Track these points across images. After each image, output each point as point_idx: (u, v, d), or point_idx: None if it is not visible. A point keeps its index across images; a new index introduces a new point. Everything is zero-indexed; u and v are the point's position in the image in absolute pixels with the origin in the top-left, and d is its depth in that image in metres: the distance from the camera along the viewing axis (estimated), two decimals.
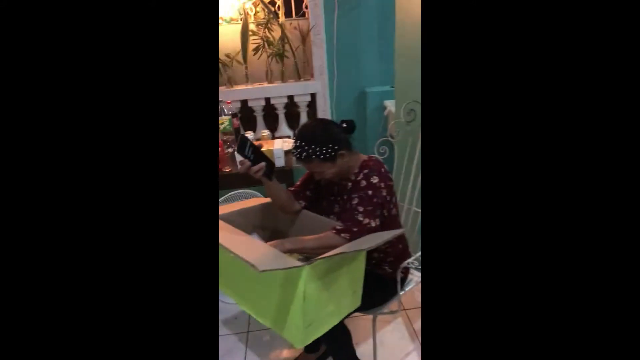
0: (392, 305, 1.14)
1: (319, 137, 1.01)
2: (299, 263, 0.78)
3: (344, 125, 1.06)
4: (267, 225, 1.26)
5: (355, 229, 0.96)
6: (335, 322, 0.93)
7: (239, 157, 1.62)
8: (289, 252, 0.96)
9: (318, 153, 1.00)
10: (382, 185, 1.02)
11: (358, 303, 0.99)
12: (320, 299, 0.86)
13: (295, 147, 1.02)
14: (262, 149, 1.78)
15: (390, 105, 2.24)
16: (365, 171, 1.03)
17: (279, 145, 1.78)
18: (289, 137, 2.38)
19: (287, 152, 1.81)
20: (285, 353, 1.41)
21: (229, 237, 0.88)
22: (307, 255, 1.00)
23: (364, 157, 1.10)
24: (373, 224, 0.98)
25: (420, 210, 1.44)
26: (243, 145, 0.97)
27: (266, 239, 1.25)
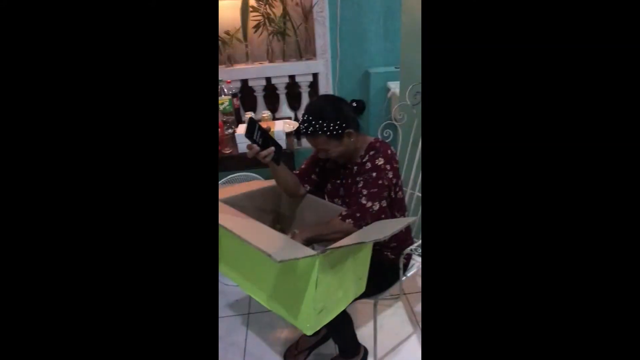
0: (393, 289, 1.14)
1: (328, 112, 0.98)
2: (313, 252, 0.77)
3: (354, 104, 1.04)
4: (271, 209, 1.25)
5: (358, 214, 0.95)
6: (343, 308, 0.93)
7: (241, 139, 1.59)
8: (309, 241, 0.95)
9: (325, 129, 0.97)
10: (388, 167, 1.00)
11: (363, 289, 0.99)
12: (331, 286, 0.86)
13: (303, 122, 0.99)
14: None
15: (393, 86, 2.19)
16: (372, 153, 1.02)
17: (280, 127, 1.74)
18: (290, 118, 2.34)
19: (288, 134, 1.78)
20: (286, 333, 1.43)
21: (240, 224, 0.87)
22: (322, 243, 1.00)
23: (371, 139, 1.08)
24: (377, 207, 0.96)
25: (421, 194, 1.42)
26: (251, 129, 0.93)
27: (270, 222, 1.24)
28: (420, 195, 1.44)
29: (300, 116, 2.50)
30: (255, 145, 0.96)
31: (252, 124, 0.93)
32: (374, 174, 0.98)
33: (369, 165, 1.00)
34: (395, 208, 1.08)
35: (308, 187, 1.16)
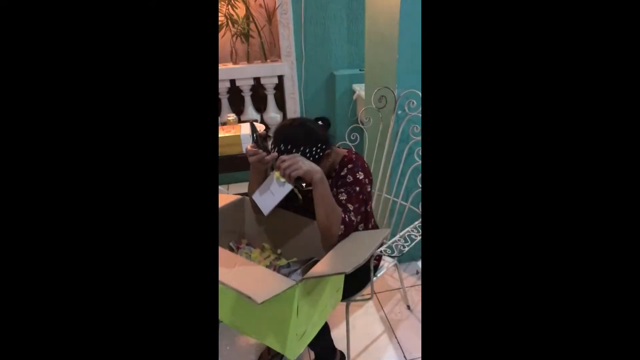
0: (365, 290, 1.16)
1: (303, 140, 0.94)
2: (292, 282, 0.75)
3: (320, 123, 1.02)
4: (236, 226, 1.21)
5: (342, 227, 0.94)
6: (322, 324, 0.93)
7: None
8: (317, 183, 0.90)
9: (308, 156, 0.94)
10: (367, 181, 1.01)
11: (340, 299, 1.00)
12: (310, 310, 0.85)
13: (279, 151, 0.94)
14: (225, 135, 1.72)
15: (359, 89, 2.23)
16: (350, 166, 1.01)
17: (246, 130, 1.72)
18: (256, 120, 2.31)
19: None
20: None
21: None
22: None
23: (344, 151, 1.08)
24: (357, 221, 0.97)
25: (390, 197, 1.46)
26: (254, 134, 0.97)
27: (236, 237, 1.20)
28: (386, 196, 1.47)
29: (267, 120, 2.48)
30: (260, 151, 0.94)
31: (253, 129, 0.95)
32: (357, 188, 0.98)
33: (350, 178, 0.99)
34: (369, 219, 1.10)
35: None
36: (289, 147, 0.94)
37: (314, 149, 0.94)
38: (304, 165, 0.90)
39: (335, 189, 1.00)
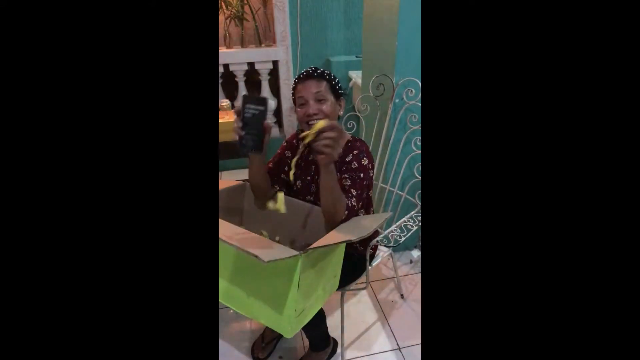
0: (360, 279, 1.16)
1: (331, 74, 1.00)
2: (296, 252, 0.74)
3: None
4: (236, 209, 1.20)
5: (346, 212, 0.93)
6: (319, 307, 0.93)
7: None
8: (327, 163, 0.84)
9: (331, 78, 0.99)
10: (370, 166, 1.00)
11: (337, 286, 0.99)
12: (310, 286, 0.85)
13: (308, 68, 1.00)
14: (223, 121, 1.66)
15: (355, 76, 2.19)
16: (355, 152, 1.01)
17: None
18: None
19: None
20: (250, 325, 1.41)
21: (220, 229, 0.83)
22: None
23: (348, 135, 1.07)
24: (358, 207, 0.97)
25: (386, 187, 1.45)
26: (243, 104, 0.81)
27: (236, 224, 1.19)
28: (382, 185, 1.46)
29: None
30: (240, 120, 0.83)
31: (244, 99, 0.80)
32: (361, 175, 0.98)
33: (355, 164, 0.99)
34: (369, 205, 1.10)
35: (278, 188, 1.12)
36: (315, 67, 1.00)
37: (337, 81, 1.00)
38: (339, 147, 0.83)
39: (339, 174, 1.00)
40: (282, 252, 0.74)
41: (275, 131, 2.58)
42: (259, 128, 0.83)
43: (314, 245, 0.78)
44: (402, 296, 1.52)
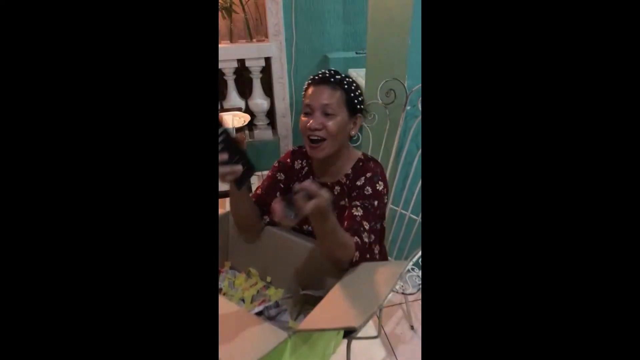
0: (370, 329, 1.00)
1: (354, 82, 0.84)
2: (281, 335, 0.60)
3: None
4: (220, 249, 1.03)
5: (357, 253, 0.76)
6: None
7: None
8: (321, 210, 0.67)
9: (350, 87, 0.82)
10: (385, 191, 0.84)
11: (340, 340, 0.84)
12: (308, 357, 0.70)
13: (325, 71, 0.84)
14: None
15: (355, 74, 2.00)
16: (369, 175, 0.84)
17: (229, 121, 1.49)
18: (240, 109, 2.06)
19: (238, 130, 1.53)
20: None
21: None
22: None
23: (359, 153, 0.89)
24: (371, 242, 0.80)
25: (397, 209, 1.27)
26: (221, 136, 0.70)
27: (219, 259, 1.02)
28: (393, 207, 1.29)
29: (252, 106, 2.25)
30: (238, 166, 0.71)
31: (221, 131, 0.69)
32: (376, 203, 0.81)
33: (368, 190, 0.82)
34: (382, 237, 0.94)
35: (267, 219, 0.93)
36: (334, 72, 0.83)
37: (357, 91, 0.84)
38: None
39: (348, 200, 0.84)
40: (263, 343, 0.58)
41: (268, 133, 2.39)
42: (237, 150, 0.72)
43: (305, 324, 0.63)
44: (412, 327, 1.37)
